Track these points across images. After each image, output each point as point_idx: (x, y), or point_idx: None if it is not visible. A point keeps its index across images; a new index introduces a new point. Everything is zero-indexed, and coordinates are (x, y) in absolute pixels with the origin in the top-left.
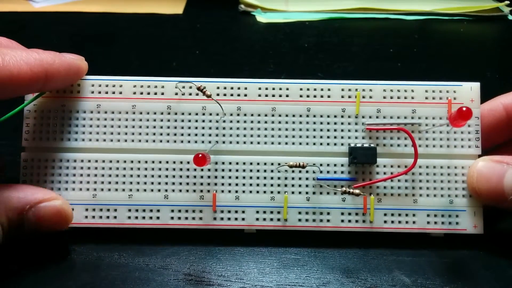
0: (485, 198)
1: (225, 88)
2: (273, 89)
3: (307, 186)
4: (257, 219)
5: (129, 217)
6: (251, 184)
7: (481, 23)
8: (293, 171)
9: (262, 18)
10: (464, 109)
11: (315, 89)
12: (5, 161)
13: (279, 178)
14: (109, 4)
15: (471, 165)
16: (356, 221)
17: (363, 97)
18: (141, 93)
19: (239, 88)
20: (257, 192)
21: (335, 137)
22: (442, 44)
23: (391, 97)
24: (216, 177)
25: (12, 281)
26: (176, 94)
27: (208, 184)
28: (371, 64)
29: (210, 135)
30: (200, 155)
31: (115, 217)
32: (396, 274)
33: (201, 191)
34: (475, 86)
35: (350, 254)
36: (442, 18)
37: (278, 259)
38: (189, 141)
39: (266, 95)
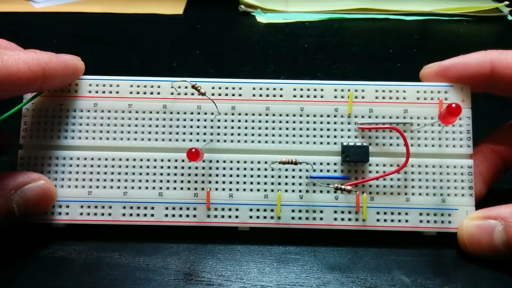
0: (479, 257)
1: (220, 88)
2: (267, 89)
3: (300, 184)
4: (251, 217)
5: (124, 214)
6: (244, 182)
7: (480, 23)
8: (286, 170)
9: (262, 18)
10: (453, 105)
11: (308, 89)
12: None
13: (272, 176)
14: (109, 4)
15: (459, 225)
16: (349, 219)
17: (356, 97)
18: (138, 93)
19: (233, 88)
20: (251, 190)
21: (328, 136)
22: (442, 44)
23: (383, 97)
24: (210, 175)
25: (12, 281)
26: (172, 93)
27: (202, 182)
28: (370, 65)
29: (205, 133)
30: (194, 150)
31: (109, 214)
32: (395, 273)
33: (195, 188)
34: (466, 87)
35: (350, 253)
36: (442, 19)
37: (278, 259)
38: (184, 140)
39: (260, 95)
